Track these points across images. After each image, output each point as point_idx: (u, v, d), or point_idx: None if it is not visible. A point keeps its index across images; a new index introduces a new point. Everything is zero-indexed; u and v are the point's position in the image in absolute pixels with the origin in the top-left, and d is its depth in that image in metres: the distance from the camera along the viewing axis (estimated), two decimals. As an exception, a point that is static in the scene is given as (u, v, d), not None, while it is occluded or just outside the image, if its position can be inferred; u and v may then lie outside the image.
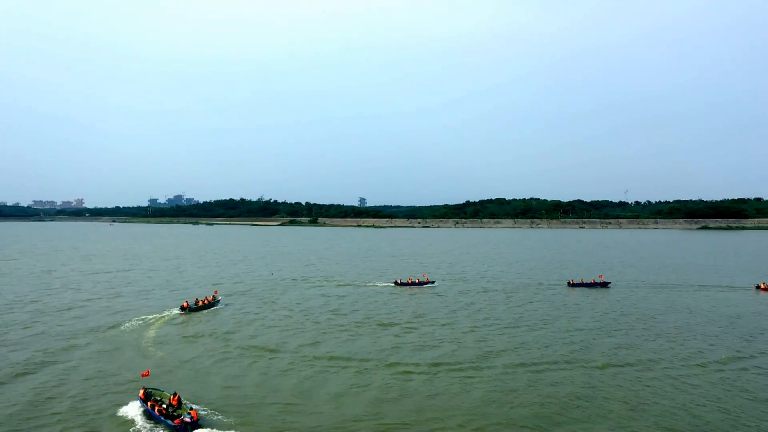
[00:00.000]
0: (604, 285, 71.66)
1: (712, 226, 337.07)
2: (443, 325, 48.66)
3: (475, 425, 26.15)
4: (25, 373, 34.30)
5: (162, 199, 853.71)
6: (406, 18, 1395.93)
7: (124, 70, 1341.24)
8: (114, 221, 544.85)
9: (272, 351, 39.83)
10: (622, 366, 35.62)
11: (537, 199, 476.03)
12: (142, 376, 31.01)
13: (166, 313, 54.15)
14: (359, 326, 48.02)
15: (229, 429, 25.58)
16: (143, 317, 51.68)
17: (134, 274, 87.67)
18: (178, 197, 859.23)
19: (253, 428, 25.82)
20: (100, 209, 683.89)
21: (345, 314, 53.48)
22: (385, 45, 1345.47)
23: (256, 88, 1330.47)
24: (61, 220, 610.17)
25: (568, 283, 73.27)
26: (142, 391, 28.89)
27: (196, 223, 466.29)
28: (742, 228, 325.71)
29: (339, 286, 73.71)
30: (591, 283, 72.26)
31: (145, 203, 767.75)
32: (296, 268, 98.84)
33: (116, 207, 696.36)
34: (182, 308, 54.70)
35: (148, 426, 26.24)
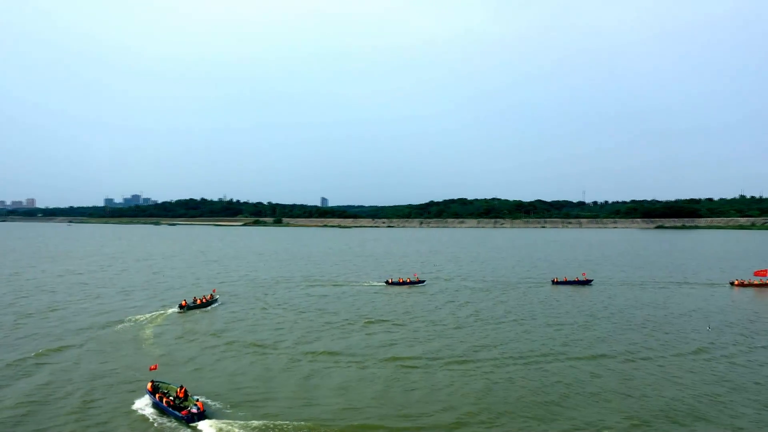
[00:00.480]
0: (587, 283, 74.05)
1: (668, 225, 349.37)
2: (437, 321, 50.05)
3: (484, 416, 27.50)
4: (28, 374, 34.13)
5: (118, 199, 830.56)
6: (377, 23, 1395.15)
7: (74, 64, 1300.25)
8: (70, 222, 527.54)
9: (272, 347, 40.59)
10: (611, 357, 37.72)
11: (499, 199, 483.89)
12: (150, 369, 31.77)
13: (164, 311, 54.50)
14: (356, 324, 48.99)
15: (235, 420, 26.44)
16: (140, 316, 51.85)
17: (108, 275, 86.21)
18: (135, 197, 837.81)
19: (260, 419, 26.62)
20: (54, 209, 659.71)
21: (341, 313, 54.31)
22: (349, 51, 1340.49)
23: (215, 89, 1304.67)
24: (13, 220, 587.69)
25: (553, 281, 75.45)
26: (150, 385, 29.77)
27: (157, 224, 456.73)
28: (696, 227, 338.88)
29: (330, 286, 74.25)
30: (575, 281, 74.57)
31: (100, 203, 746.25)
32: (277, 269, 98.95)
33: (71, 207, 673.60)
34: (180, 306, 55.22)
35: (158, 417, 27.17)
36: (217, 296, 61.66)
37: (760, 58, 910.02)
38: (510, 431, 25.48)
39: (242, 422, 26.07)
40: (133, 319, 50.43)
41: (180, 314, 53.60)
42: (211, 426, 25.65)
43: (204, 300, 57.87)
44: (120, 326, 47.73)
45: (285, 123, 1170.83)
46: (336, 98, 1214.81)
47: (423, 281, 75.71)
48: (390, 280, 75.34)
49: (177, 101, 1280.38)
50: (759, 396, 29.95)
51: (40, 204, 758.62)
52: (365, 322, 49.43)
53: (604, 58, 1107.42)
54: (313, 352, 39.01)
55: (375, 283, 76.10)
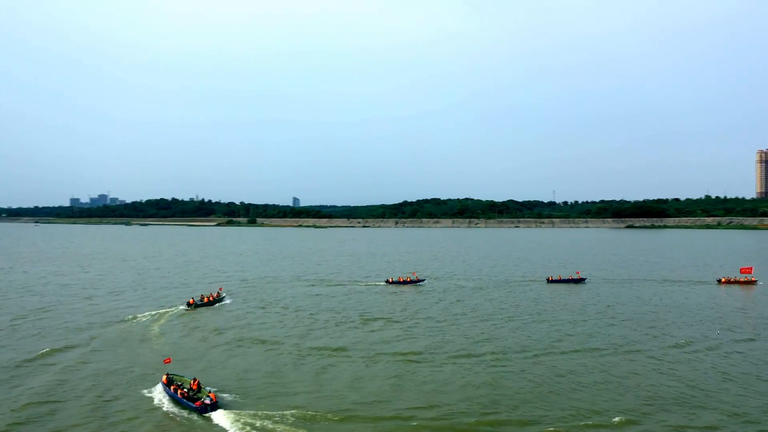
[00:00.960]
0: (581, 281, 75.92)
1: (638, 225, 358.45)
2: (440, 318, 51.11)
3: (503, 406, 28.58)
4: (41, 373, 34.00)
5: (84, 199, 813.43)
6: (356, 24, 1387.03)
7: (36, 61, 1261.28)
8: (37, 222, 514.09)
9: (281, 344, 41.32)
10: (615, 351, 39.33)
11: (472, 199, 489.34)
12: (164, 363, 32.85)
13: (171, 310, 55.14)
14: (361, 321, 49.75)
15: (246, 410, 27.50)
16: (146, 314, 52.47)
17: (93, 276, 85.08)
18: (103, 197, 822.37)
19: (271, 409, 27.60)
20: (19, 209, 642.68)
21: (345, 311, 54.95)
22: (330, 51, 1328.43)
23: (183, 83, 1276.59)
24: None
25: (548, 279, 77.18)
26: (164, 377, 30.79)
27: (128, 224, 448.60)
28: (665, 227, 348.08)
29: (327, 285, 74.43)
30: (569, 279, 76.43)
31: (66, 203, 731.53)
32: (263, 268, 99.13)
33: (36, 207, 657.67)
34: (188, 304, 56.09)
35: (172, 408, 28.20)
36: (224, 294, 62.57)
37: (736, 66, 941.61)
38: (530, 420, 26.51)
39: (253, 412, 27.13)
40: (140, 318, 50.75)
41: (188, 312, 54.35)
42: (223, 415, 26.67)
43: (212, 298, 58.90)
44: (126, 325, 47.93)
45: (254, 120, 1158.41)
46: (309, 98, 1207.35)
47: (422, 280, 76.54)
48: (390, 280, 76.16)
49: (142, 96, 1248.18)
50: (757, 385, 31.77)
51: (2, 204, 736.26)
52: (370, 320, 50.28)
53: (584, 64, 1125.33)
54: (321, 348, 39.84)
55: (375, 283, 76.87)
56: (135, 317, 50.95)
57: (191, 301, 56.73)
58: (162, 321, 49.92)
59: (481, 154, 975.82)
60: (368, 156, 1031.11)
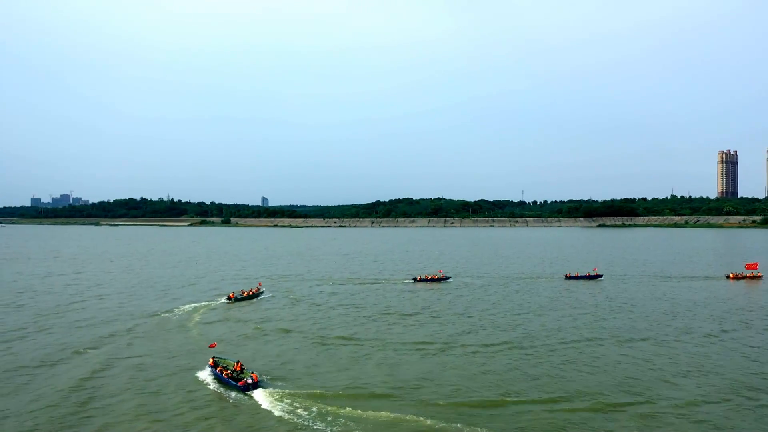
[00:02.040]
0: (598, 277, 78.06)
1: (608, 224, 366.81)
2: (466, 312, 52.64)
3: (541, 389, 29.89)
4: (85, 364, 34.20)
5: (46, 199, 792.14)
6: (332, 23, 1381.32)
7: None
8: (1, 223, 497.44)
9: (317, 334, 43.39)
10: (630, 341, 41.25)
11: (444, 199, 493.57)
12: (210, 347, 35.45)
13: (210, 303, 57.77)
14: (395, 315, 51.03)
15: (284, 389, 29.69)
16: (185, 307, 54.97)
17: (88, 276, 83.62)
18: (65, 196, 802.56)
19: (307, 389, 29.75)
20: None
21: (376, 306, 56.08)
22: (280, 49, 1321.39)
23: (141, 76, 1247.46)
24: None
25: (566, 276, 79.24)
26: (211, 360, 33.54)
27: (97, 224, 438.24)
28: (635, 225, 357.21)
29: (357, 283, 74.98)
30: (586, 275, 78.54)
31: (26, 203, 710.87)
32: (261, 267, 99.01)
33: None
34: (228, 298, 58.68)
35: (218, 387, 30.75)
36: (263, 289, 65.21)
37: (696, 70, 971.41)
38: (577, 397, 27.73)
39: (291, 391, 29.41)
40: (167, 314, 51.60)
41: (229, 305, 56.62)
42: (264, 394, 28.85)
43: (251, 292, 61.48)
44: (159, 319, 49.18)
45: (215, 118, 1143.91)
46: (276, 98, 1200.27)
47: (448, 278, 77.77)
48: (418, 278, 77.29)
49: (99, 92, 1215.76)
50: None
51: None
52: (402, 314, 51.56)
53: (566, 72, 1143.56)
54: (357, 338, 41.50)
55: (403, 280, 78.20)
56: (158, 313, 51.54)
57: (231, 295, 59.38)
58: (200, 314, 52.00)
59: (454, 155, 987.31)
60: (338, 158, 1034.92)
